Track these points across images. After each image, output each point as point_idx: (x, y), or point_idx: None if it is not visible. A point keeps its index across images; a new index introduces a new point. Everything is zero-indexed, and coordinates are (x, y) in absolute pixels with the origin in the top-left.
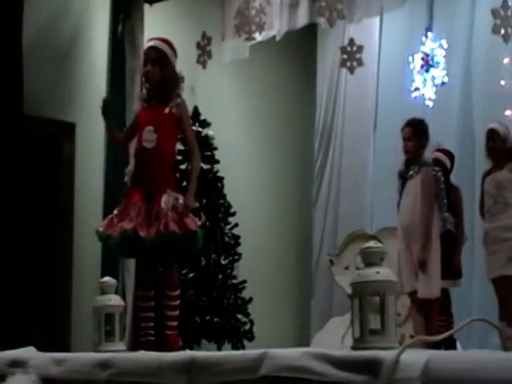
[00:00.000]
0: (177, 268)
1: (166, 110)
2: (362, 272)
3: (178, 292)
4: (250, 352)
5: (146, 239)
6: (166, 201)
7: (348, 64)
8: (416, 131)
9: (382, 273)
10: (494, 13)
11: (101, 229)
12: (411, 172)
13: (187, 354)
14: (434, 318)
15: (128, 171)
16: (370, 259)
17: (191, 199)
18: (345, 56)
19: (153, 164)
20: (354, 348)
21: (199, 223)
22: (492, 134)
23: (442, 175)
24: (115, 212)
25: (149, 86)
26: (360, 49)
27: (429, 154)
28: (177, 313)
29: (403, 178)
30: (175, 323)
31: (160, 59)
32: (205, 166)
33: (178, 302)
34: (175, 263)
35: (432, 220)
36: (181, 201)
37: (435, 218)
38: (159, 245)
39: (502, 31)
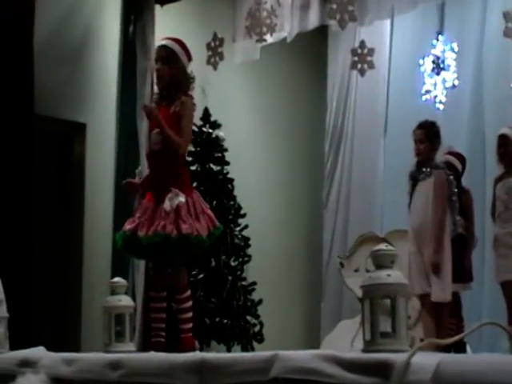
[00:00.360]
0: (184, 270)
1: (171, 110)
2: (373, 274)
3: (187, 294)
4: (261, 354)
5: (142, 239)
6: (169, 199)
7: (359, 66)
8: (428, 133)
9: (393, 275)
10: (506, 16)
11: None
12: (422, 174)
13: (198, 355)
14: (445, 322)
15: (138, 172)
16: (381, 262)
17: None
18: (355, 58)
19: (160, 166)
20: (364, 350)
21: (216, 224)
22: (503, 140)
23: (454, 178)
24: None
25: (160, 86)
26: (371, 51)
27: (440, 156)
28: (189, 315)
29: (414, 179)
30: (189, 325)
31: (170, 58)
32: (215, 168)
33: (189, 304)
34: (182, 265)
35: (445, 223)
36: (183, 200)
37: (447, 221)
38: (154, 245)
39: None
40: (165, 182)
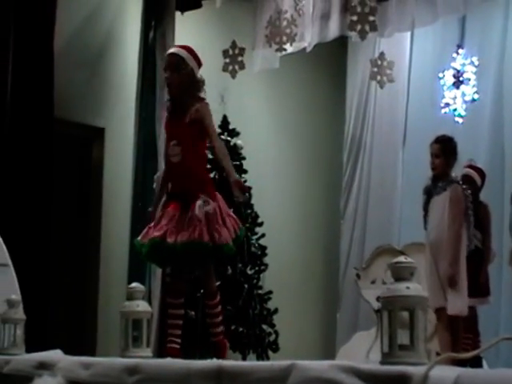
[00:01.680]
0: (214, 276)
1: (187, 119)
2: (392, 286)
3: (218, 299)
4: (279, 363)
5: (176, 245)
6: (199, 206)
7: (378, 78)
8: (444, 148)
9: (413, 288)
10: None
11: (138, 238)
12: (438, 188)
13: (215, 362)
14: (461, 336)
15: (156, 177)
16: (400, 274)
17: (233, 174)
18: (375, 69)
19: (182, 177)
20: (382, 362)
21: (239, 225)
22: None
23: (472, 192)
24: (153, 223)
25: (170, 94)
26: (391, 64)
27: (460, 169)
28: (219, 319)
29: (428, 194)
30: (219, 329)
31: (178, 64)
32: None
33: (219, 309)
34: (212, 271)
35: (461, 237)
36: (212, 207)
37: (463, 235)
38: (188, 252)
39: None
40: (188, 192)
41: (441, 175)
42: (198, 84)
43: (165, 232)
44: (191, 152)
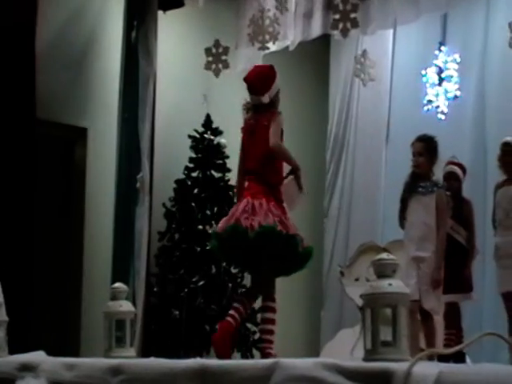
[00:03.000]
0: (274, 280)
1: (264, 123)
2: (375, 283)
3: (274, 314)
4: (262, 361)
5: (249, 233)
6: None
7: (362, 75)
8: (427, 147)
9: (395, 285)
10: (511, 26)
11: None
12: (422, 188)
13: (199, 361)
14: (434, 331)
15: (140, 177)
16: (383, 271)
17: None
18: (358, 66)
19: (257, 181)
20: (365, 359)
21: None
22: (507, 147)
23: (457, 189)
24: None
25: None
26: (372, 63)
27: (442, 167)
28: (273, 327)
29: (409, 190)
30: (270, 347)
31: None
32: (216, 175)
33: (273, 325)
34: (272, 275)
35: (445, 242)
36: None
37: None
38: (261, 238)
39: None
40: (256, 192)
41: (423, 174)
42: (278, 100)
43: (238, 218)
44: (265, 162)
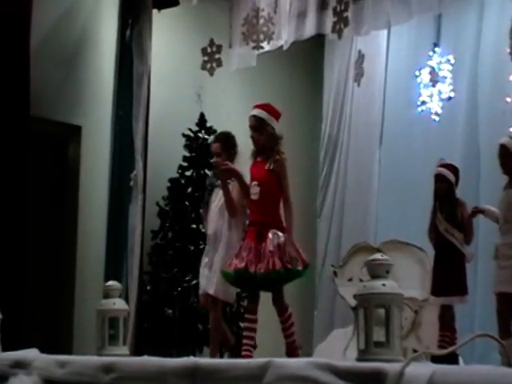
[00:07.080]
0: (283, 295)
1: (266, 167)
2: (368, 284)
3: (288, 313)
4: (255, 360)
5: (257, 275)
6: (271, 239)
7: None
8: (224, 145)
9: (389, 285)
10: None
11: (225, 269)
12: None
13: (191, 360)
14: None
15: (133, 176)
16: (377, 271)
17: (290, 241)
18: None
19: (259, 212)
20: (358, 359)
21: (306, 260)
22: (503, 150)
23: (446, 190)
24: (235, 254)
25: (256, 148)
26: (362, 58)
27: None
28: (292, 330)
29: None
30: (292, 338)
31: (259, 126)
32: (209, 174)
33: (292, 320)
34: (282, 291)
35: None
36: (282, 238)
37: None
38: (267, 280)
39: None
40: (263, 225)
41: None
42: (277, 141)
43: (246, 263)
44: (268, 193)
